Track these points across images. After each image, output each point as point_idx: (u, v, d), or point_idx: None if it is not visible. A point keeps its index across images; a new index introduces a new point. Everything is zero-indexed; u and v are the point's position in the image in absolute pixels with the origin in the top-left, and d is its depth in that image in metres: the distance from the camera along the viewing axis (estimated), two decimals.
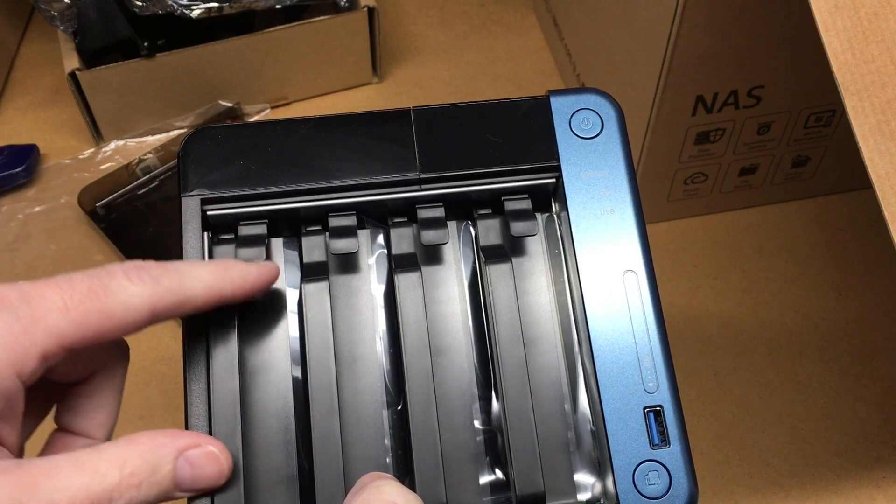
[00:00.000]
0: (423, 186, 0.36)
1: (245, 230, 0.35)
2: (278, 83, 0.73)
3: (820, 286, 0.63)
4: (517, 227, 0.35)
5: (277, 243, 0.37)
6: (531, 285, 0.36)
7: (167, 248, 0.64)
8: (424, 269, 0.36)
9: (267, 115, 0.73)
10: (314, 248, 0.36)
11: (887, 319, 0.61)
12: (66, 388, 0.32)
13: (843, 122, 0.61)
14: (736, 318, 0.62)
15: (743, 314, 0.62)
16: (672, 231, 0.66)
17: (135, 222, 0.66)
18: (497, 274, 0.35)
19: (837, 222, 0.66)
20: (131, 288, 0.29)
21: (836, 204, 0.67)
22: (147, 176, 0.68)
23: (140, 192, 0.68)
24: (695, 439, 0.54)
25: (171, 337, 0.60)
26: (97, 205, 0.67)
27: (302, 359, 0.34)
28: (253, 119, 0.73)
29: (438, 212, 0.36)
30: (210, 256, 0.35)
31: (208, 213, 0.35)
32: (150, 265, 0.30)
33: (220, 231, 0.36)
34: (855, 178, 0.66)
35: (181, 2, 0.66)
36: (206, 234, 0.35)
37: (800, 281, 0.63)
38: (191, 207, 0.35)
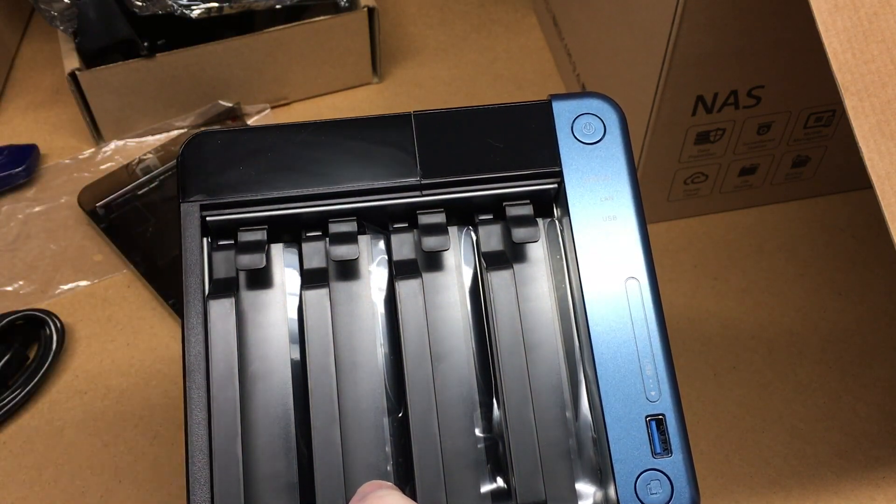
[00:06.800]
0: (424, 192, 0.36)
1: (244, 236, 0.35)
2: (278, 83, 0.73)
3: (820, 286, 0.63)
4: (519, 233, 0.35)
5: (278, 249, 0.37)
6: (532, 291, 0.36)
7: (167, 248, 0.64)
8: (425, 275, 0.36)
9: (267, 114, 0.73)
10: (314, 254, 0.36)
11: (887, 319, 0.61)
12: None
13: (843, 122, 0.61)
14: (736, 318, 0.62)
15: (743, 314, 0.62)
16: (672, 231, 0.66)
17: (135, 222, 0.66)
18: (498, 280, 0.35)
19: (837, 222, 0.66)
20: None
21: (836, 204, 0.67)
22: (147, 176, 0.68)
23: (140, 192, 0.68)
24: (695, 439, 0.54)
25: (170, 337, 0.60)
26: (97, 205, 0.67)
27: (302, 366, 0.34)
28: (253, 119, 0.73)
29: (439, 217, 0.36)
30: (209, 262, 0.35)
31: (207, 219, 0.35)
32: None
33: (220, 237, 0.36)
34: (855, 178, 0.66)
35: (181, 2, 0.66)
36: (205, 239, 0.35)
37: (800, 281, 0.63)
38: (190, 213, 0.35)
